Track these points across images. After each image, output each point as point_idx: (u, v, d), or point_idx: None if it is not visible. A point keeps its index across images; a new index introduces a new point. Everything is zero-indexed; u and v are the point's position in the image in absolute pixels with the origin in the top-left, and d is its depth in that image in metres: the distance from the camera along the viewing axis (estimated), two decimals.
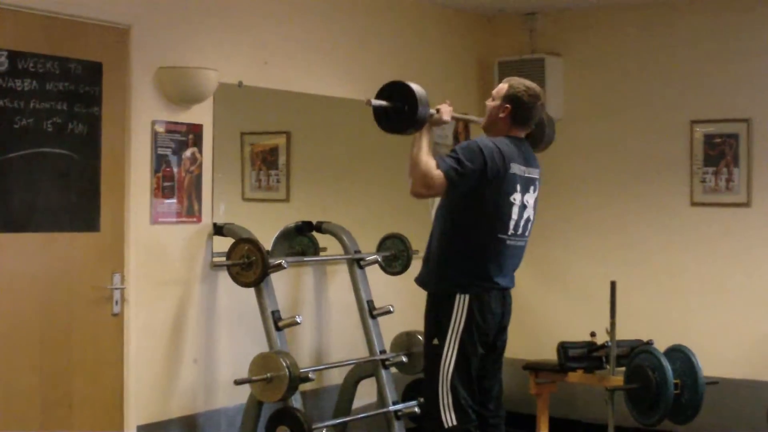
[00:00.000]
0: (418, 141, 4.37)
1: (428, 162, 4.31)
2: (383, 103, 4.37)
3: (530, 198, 4.54)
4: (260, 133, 6.46)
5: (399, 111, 4.35)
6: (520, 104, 4.50)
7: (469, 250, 4.45)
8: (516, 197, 4.46)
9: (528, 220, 4.54)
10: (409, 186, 4.37)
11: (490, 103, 4.60)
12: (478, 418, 4.50)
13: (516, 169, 4.44)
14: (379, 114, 4.41)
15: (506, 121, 4.54)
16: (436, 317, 4.49)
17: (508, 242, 4.47)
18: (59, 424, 4.70)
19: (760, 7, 6.45)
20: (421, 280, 4.61)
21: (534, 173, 4.57)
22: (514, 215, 4.46)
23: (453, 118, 4.60)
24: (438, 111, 4.49)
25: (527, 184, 4.52)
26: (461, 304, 4.42)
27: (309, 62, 5.95)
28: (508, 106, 4.51)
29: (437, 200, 4.60)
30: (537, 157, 4.66)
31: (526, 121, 4.55)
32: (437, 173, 4.30)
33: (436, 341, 4.46)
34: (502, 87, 4.56)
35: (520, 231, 4.50)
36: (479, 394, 4.53)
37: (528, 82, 4.59)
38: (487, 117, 4.61)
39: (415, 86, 4.36)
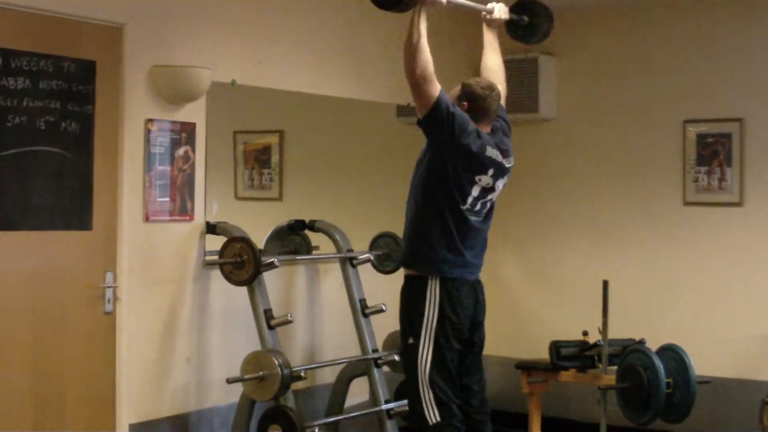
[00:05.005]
0: (417, 25, 4.37)
1: (429, 55, 4.35)
2: None
3: (500, 184, 4.63)
4: (253, 132, 6.47)
5: None
6: (475, 97, 4.59)
7: (439, 222, 4.52)
8: (482, 178, 4.53)
9: (490, 201, 4.63)
10: (407, 69, 4.39)
11: None
12: (462, 414, 4.55)
13: (491, 153, 4.53)
14: None
15: None
16: (409, 316, 4.59)
17: (470, 218, 4.53)
18: (51, 422, 4.70)
19: (752, 8, 6.45)
20: (401, 259, 4.75)
21: (509, 162, 4.66)
22: (474, 192, 4.53)
23: (448, 1, 4.53)
24: None
25: (502, 171, 4.60)
26: (432, 297, 4.47)
27: (302, 61, 5.94)
28: (464, 103, 4.59)
29: None
30: (512, 151, 4.73)
31: (485, 113, 4.61)
32: (436, 84, 4.35)
33: (411, 340, 4.56)
34: (455, 89, 4.66)
35: (477, 208, 4.57)
36: (461, 390, 4.60)
37: (478, 78, 4.72)
38: None
39: None
